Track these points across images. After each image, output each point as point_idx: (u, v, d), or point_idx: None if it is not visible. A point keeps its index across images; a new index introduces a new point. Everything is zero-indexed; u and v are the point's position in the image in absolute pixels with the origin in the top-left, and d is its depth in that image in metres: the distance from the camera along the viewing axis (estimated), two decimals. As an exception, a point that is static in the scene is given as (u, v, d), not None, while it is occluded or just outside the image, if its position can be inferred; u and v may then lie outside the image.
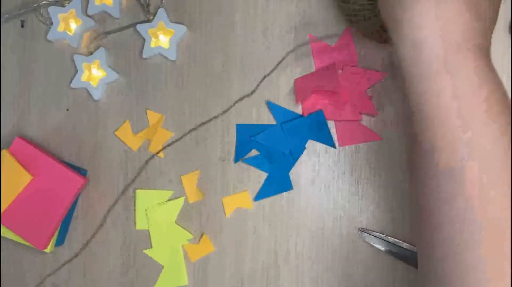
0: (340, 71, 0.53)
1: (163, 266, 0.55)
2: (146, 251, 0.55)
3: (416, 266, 0.52)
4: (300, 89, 0.53)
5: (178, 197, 0.55)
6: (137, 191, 0.56)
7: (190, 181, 0.55)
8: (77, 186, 0.54)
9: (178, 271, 0.55)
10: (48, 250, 0.54)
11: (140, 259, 0.56)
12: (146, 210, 0.55)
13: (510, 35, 0.52)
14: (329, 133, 0.53)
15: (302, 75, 0.54)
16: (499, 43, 0.52)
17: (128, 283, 0.56)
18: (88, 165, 0.56)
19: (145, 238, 0.56)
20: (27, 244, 0.53)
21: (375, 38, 0.50)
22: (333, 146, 0.53)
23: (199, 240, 0.55)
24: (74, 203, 0.56)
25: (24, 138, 0.54)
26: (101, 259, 0.56)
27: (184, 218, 0.55)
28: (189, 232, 0.55)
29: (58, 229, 0.54)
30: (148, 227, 0.55)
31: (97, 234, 0.56)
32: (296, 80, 0.54)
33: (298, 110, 0.54)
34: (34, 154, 0.53)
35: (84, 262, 0.56)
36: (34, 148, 0.54)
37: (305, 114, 0.53)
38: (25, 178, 0.53)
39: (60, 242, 0.56)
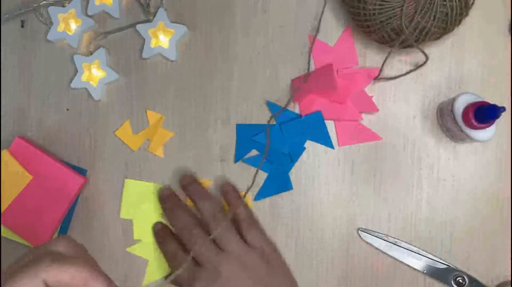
0: (339, 71, 0.53)
1: (148, 261, 0.55)
2: (129, 249, 0.55)
3: (414, 265, 0.52)
4: (297, 90, 0.53)
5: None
6: (126, 180, 0.56)
7: None
8: (77, 186, 0.54)
9: (164, 264, 0.55)
10: None
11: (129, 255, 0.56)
12: (133, 201, 0.55)
13: (510, 35, 0.52)
14: (328, 134, 0.53)
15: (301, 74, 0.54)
16: (499, 43, 0.52)
17: (120, 280, 0.56)
18: (88, 165, 0.56)
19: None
20: (27, 244, 0.53)
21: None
22: (332, 146, 0.53)
23: (199, 240, 0.55)
24: (74, 203, 0.56)
25: (24, 138, 0.54)
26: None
27: (184, 218, 0.55)
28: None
29: (58, 229, 0.54)
30: (132, 217, 0.55)
31: (96, 232, 0.56)
32: (293, 80, 0.54)
33: (298, 110, 0.54)
34: (34, 154, 0.53)
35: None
36: (34, 148, 0.54)
37: (303, 114, 0.53)
38: (25, 178, 0.53)
39: None
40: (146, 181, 0.56)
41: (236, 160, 0.55)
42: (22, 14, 0.58)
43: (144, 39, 0.55)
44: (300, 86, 0.53)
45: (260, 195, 0.54)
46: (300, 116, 0.54)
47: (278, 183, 0.54)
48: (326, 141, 0.53)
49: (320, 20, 0.54)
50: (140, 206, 0.55)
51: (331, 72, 0.52)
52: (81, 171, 0.56)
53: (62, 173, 0.53)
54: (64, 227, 0.56)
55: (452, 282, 0.51)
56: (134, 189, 0.55)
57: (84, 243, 0.56)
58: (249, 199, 0.54)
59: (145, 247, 0.55)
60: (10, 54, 0.58)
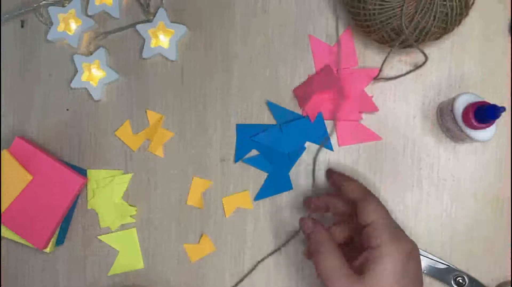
0: (338, 71, 0.53)
1: (118, 251, 0.55)
2: (100, 237, 0.56)
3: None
4: (301, 97, 0.53)
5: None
6: (89, 170, 0.56)
7: (198, 186, 0.55)
8: (77, 186, 0.54)
9: (134, 255, 0.55)
10: (48, 250, 0.54)
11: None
12: (94, 189, 0.56)
13: (510, 35, 0.52)
14: (327, 135, 0.53)
15: (302, 74, 0.54)
16: (499, 43, 0.52)
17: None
18: (88, 165, 0.56)
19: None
20: (28, 244, 0.53)
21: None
22: (331, 149, 0.53)
23: (199, 240, 0.55)
24: (74, 203, 0.56)
25: (23, 138, 0.54)
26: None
27: (184, 218, 0.55)
28: (134, 206, 0.56)
29: (58, 229, 0.54)
30: (94, 206, 0.56)
31: (96, 232, 0.56)
32: (295, 90, 0.54)
33: (298, 110, 0.54)
34: (34, 154, 0.53)
35: (85, 262, 0.56)
36: (34, 148, 0.53)
37: (312, 119, 0.53)
38: (25, 178, 0.53)
39: (59, 242, 0.56)
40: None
41: (236, 160, 0.55)
42: (22, 14, 0.58)
43: (144, 39, 0.55)
44: (306, 95, 0.53)
45: (260, 195, 0.54)
46: (301, 116, 0.54)
47: (278, 183, 0.54)
48: (325, 143, 0.53)
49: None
50: (101, 193, 0.56)
51: (330, 71, 0.52)
52: (81, 171, 0.56)
53: (62, 173, 0.53)
54: (64, 227, 0.56)
55: (452, 282, 0.51)
56: (96, 177, 0.56)
57: (83, 242, 0.56)
58: (249, 199, 0.54)
59: (116, 237, 0.56)
60: (10, 54, 0.58)
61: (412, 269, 0.41)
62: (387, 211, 0.44)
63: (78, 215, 0.56)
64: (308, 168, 0.54)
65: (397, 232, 0.42)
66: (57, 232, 0.54)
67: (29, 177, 0.53)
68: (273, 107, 0.54)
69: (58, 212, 0.53)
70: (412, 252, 0.41)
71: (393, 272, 0.40)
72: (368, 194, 0.45)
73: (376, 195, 0.46)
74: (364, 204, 0.43)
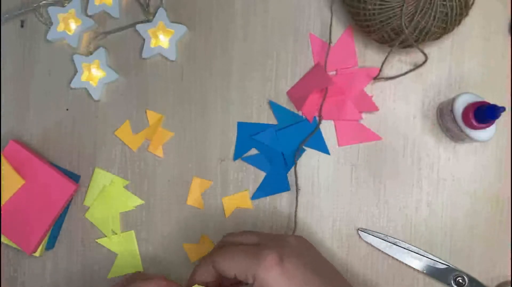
0: (338, 71, 0.53)
1: (117, 254, 0.55)
2: (99, 241, 0.55)
3: (414, 265, 0.52)
4: (296, 98, 0.54)
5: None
6: (96, 169, 0.56)
7: (198, 186, 0.55)
8: (68, 192, 0.53)
9: (133, 258, 0.55)
10: (37, 254, 0.53)
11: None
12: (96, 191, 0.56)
13: (510, 35, 0.52)
14: (323, 140, 0.53)
15: (302, 74, 0.54)
16: (499, 43, 0.52)
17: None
18: (88, 165, 0.56)
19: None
20: (18, 247, 0.53)
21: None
22: (328, 153, 0.53)
23: (199, 240, 0.55)
24: (66, 209, 0.56)
25: (18, 141, 0.54)
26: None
27: (183, 218, 0.55)
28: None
29: (49, 233, 0.54)
30: (91, 216, 0.56)
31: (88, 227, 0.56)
32: (288, 92, 0.54)
33: (301, 113, 0.54)
34: (27, 158, 0.53)
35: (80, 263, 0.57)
36: (27, 152, 0.53)
37: (310, 119, 0.53)
38: (18, 182, 0.52)
39: (50, 246, 0.55)
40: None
41: (235, 158, 0.55)
42: (22, 14, 0.58)
43: (144, 39, 0.55)
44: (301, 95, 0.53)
45: (257, 195, 0.54)
46: (302, 116, 0.54)
47: (275, 183, 0.54)
48: (322, 147, 0.53)
49: (331, 24, 0.54)
50: (100, 197, 0.56)
51: (321, 70, 0.52)
52: (74, 177, 0.56)
53: (54, 178, 0.53)
54: (54, 232, 0.55)
55: (452, 282, 0.51)
56: (102, 179, 0.56)
57: (83, 245, 0.56)
58: (249, 199, 0.54)
59: (115, 240, 0.55)
60: (10, 54, 0.58)
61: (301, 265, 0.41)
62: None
63: (76, 218, 0.56)
64: (307, 170, 0.54)
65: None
66: (47, 237, 0.54)
67: (22, 181, 0.53)
68: (275, 107, 0.54)
69: (49, 217, 0.53)
70: (282, 257, 0.40)
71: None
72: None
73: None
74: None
